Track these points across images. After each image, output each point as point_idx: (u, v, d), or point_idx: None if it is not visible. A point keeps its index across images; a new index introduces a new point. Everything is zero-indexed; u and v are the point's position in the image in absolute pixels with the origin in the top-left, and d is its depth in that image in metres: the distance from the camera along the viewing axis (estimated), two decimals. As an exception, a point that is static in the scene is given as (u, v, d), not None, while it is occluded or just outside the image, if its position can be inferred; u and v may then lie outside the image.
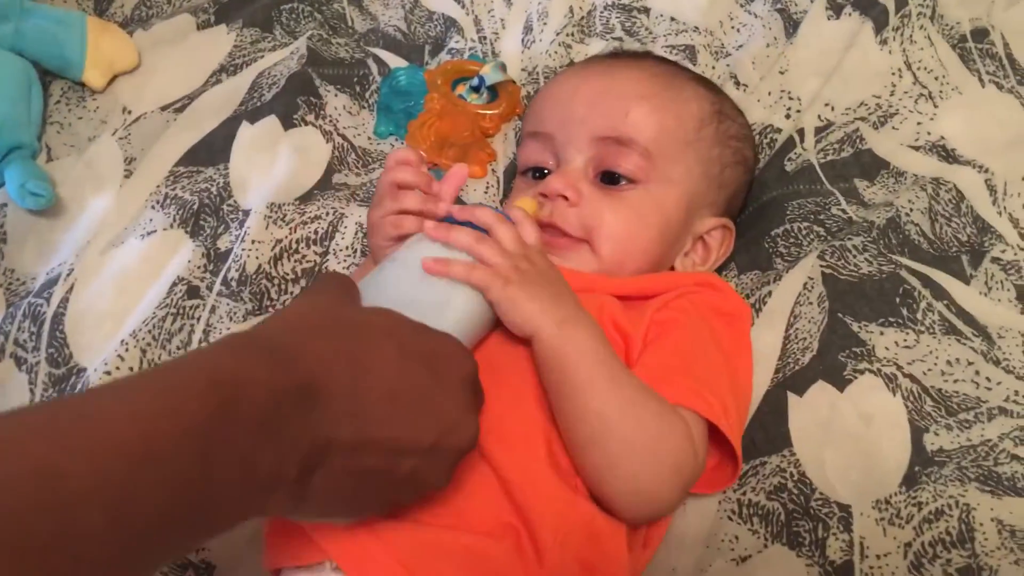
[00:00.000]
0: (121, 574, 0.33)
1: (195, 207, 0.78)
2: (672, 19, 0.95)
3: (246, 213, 0.78)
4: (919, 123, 0.83)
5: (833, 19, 0.90)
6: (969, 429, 0.64)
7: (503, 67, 0.90)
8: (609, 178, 0.70)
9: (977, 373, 0.66)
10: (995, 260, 0.73)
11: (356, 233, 0.78)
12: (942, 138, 0.82)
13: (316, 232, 0.78)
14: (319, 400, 0.41)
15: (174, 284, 0.73)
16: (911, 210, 0.75)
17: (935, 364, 0.67)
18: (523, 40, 0.96)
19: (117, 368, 0.69)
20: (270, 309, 0.75)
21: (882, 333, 0.68)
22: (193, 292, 0.73)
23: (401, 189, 0.67)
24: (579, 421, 0.55)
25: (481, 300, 0.57)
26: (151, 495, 0.33)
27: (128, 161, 0.82)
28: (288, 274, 0.76)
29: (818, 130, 0.84)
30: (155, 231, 0.77)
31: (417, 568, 0.51)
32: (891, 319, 0.69)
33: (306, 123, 0.85)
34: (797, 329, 0.69)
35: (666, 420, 0.56)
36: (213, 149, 0.83)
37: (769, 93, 0.88)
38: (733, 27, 0.95)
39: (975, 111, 0.84)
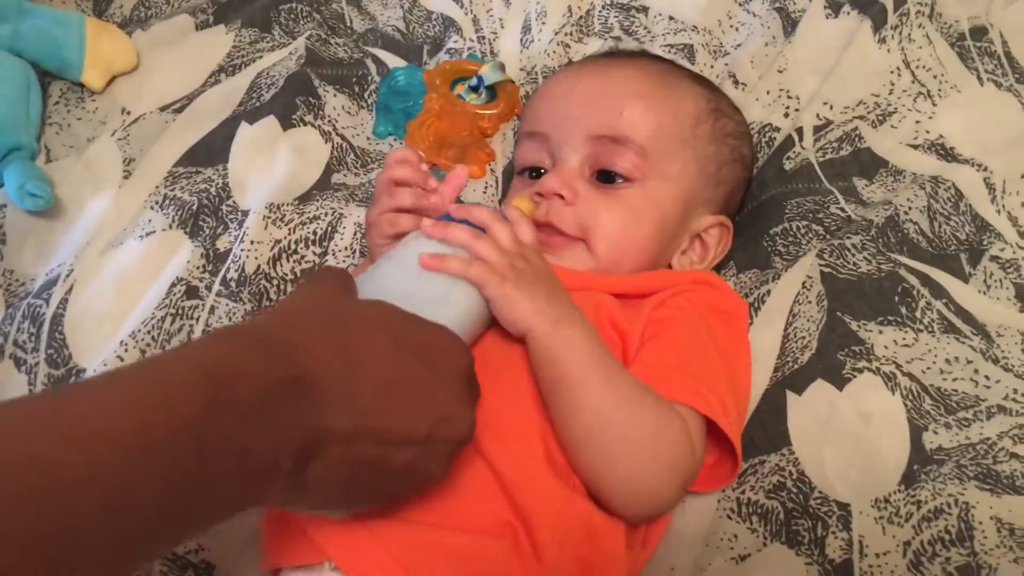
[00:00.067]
0: (117, 563, 0.34)
1: (194, 208, 0.78)
2: (671, 18, 0.95)
3: (245, 213, 0.78)
4: (918, 122, 0.83)
5: (832, 18, 0.90)
6: (968, 427, 0.64)
7: (502, 67, 0.90)
8: (605, 177, 0.70)
9: (976, 371, 0.66)
10: (994, 258, 0.73)
11: (355, 234, 0.78)
12: (941, 136, 0.82)
13: (315, 232, 0.78)
14: (313, 391, 0.41)
15: (173, 285, 0.73)
16: (910, 209, 0.75)
17: (934, 362, 0.67)
18: (522, 40, 0.96)
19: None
20: (269, 309, 0.75)
21: (881, 332, 0.68)
22: (192, 293, 0.73)
23: (399, 187, 0.67)
24: (575, 419, 0.55)
25: (477, 297, 0.57)
26: (146, 485, 0.34)
27: (127, 162, 0.82)
28: (287, 274, 0.76)
29: (817, 129, 0.84)
30: (154, 232, 0.77)
31: (416, 568, 0.51)
32: (890, 318, 0.69)
33: (305, 123, 0.85)
34: (796, 328, 0.69)
35: (663, 417, 0.56)
36: (212, 150, 0.83)
37: (768, 92, 0.88)
38: (732, 26, 0.95)
39: (974, 109, 0.84)
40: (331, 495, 0.45)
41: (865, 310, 0.69)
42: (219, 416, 0.37)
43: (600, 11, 0.97)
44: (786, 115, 0.86)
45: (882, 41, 0.87)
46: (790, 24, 0.92)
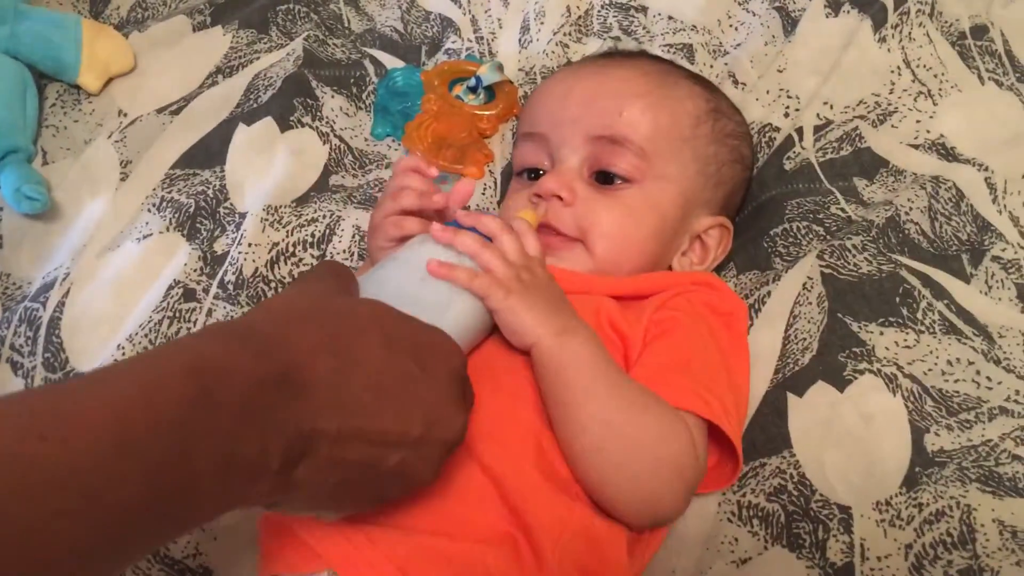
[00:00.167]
0: (100, 562, 0.33)
1: (191, 210, 0.78)
2: (670, 18, 0.95)
3: (242, 216, 0.77)
4: (918, 121, 0.83)
5: (832, 17, 0.90)
6: (970, 429, 0.63)
7: (500, 67, 0.90)
8: (604, 178, 0.70)
9: (978, 373, 0.66)
10: (995, 259, 0.73)
11: (353, 236, 0.78)
12: (941, 136, 0.81)
13: (313, 235, 0.78)
14: (302, 389, 0.40)
15: (170, 287, 0.73)
16: (911, 209, 0.75)
17: (935, 364, 0.66)
18: (520, 40, 0.96)
19: (113, 372, 0.69)
20: (267, 312, 0.75)
21: (882, 333, 0.68)
22: (189, 295, 0.73)
23: (404, 190, 0.67)
24: (580, 429, 0.55)
25: (480, 306, 0.58)
26: (128, 482, 0.33)
27: (124, 164, 0.82)
28: (285, 277, 0.76)
29: (817, 129, 0.83)
30: (151, 234, 0.77)
31: (416, 576, 0.50)
32: (891, 319, 0.68)
33: (303, 125, 0.85)
34: (796, 329, 0.69)
35: (667, 423, 0.56)
36: (209, 151, 0.82)
37: (767, 92, 0.87)
38: (731, 25, 0.94)
39: (974, 109, 0.83)
40: (320, 497, 0.44)
41: (866, 311, 0.69)
42: (204, 412, 0.36)
43: (599, 11, 0.96)
44: (786, 115, 0.86)
45: (882, 40, 0.87)
46: (790, 23, 0.92)
